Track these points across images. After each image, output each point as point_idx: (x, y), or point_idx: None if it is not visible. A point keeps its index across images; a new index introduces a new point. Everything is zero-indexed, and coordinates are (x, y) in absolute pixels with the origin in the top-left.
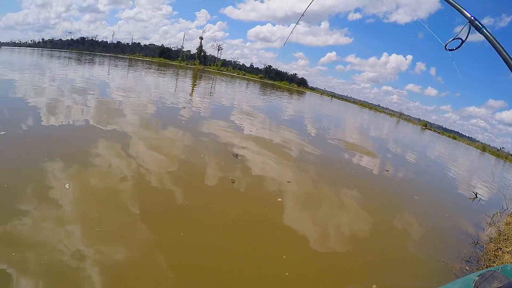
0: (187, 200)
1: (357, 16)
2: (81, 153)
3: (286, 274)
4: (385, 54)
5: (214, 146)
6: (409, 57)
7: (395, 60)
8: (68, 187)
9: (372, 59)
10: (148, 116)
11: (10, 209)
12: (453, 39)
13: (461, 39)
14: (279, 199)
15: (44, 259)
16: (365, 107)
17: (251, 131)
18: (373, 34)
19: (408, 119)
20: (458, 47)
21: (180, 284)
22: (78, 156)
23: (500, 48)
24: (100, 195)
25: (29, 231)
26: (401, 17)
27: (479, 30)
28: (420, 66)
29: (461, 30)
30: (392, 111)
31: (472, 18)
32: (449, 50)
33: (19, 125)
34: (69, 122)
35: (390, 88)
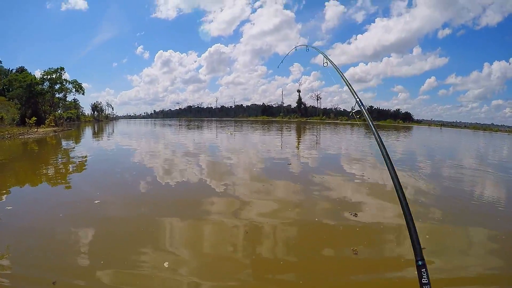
0: None
1: (447, 31)
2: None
3: None
4: (486, 64)
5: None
6: None
7: (498, 68)
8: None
9: (474, 74)
10: (257, 176)
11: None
12: None
13: None
14: None
15: None
16: (478, 129)
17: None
18: (468, 46)
19: None
20: None
21: None
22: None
23: None
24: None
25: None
26: (491, 18)
27: None
28: None
29: None
30: (509, 127)
31: None
32: None
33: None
34: (185, 182)
35: (501, 102)
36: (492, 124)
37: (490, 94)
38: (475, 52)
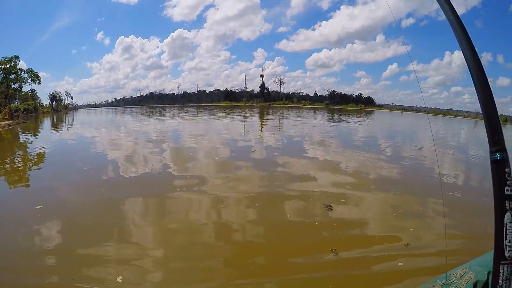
0: None
1: (411, 21)
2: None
3: None
4: (447, 53)
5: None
6: None
7: (459, 57)
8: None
9: (435, 62)
10: (221, 159)
11: None
12: None
13: None
14: None
15: None
16: (438, 114)
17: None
18: (431, 35)
19: None
20: None
21: None
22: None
23: None
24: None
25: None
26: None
27: None
28: (486, 56)
29: None
30: (467, 112)
31: None
32: None
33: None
34: (147, 170)
35: (459, 88)
36: (451, 109)
37: (450, 81)
38: (437, 42)
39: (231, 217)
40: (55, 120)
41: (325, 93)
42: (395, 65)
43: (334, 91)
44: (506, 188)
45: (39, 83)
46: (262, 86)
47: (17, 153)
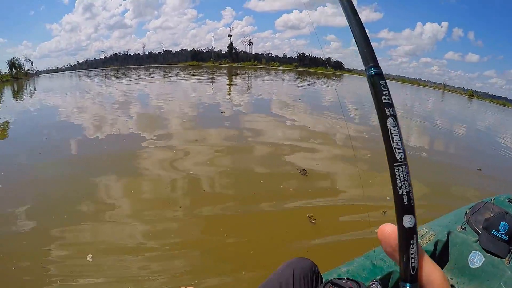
0: None
1: None
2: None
3: None
4: (419, 24)
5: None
6: (445, 24)
7: (430, 29)
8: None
9: (407, 32)
10: (191, 124)
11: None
12: None
13: None
14: None
15: None
16: (406, 82)
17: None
18: (404, 4)
19: (453, 89)
20: None
21: None
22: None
23: None
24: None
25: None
26: None
27: None
28: (457, 32)
29: None
30: (435, 83)
31: None
32: None
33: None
34: (115, 133)
35: (429, 60)
36: (420, 79)
37: (420, 52)
38: (410, 12)
39: (201, 170)
40: (15, 89)
41: (294, 55)
42: (366, 30)
43: (303, 54)
44: (383, 97)
45: None
46: (230, 46)
47: None
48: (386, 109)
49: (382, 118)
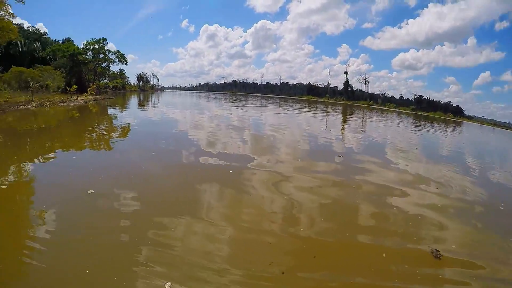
0: None
1: (504, 24)
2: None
3: None
4: None
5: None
6: None
7: None
8: None
9: None
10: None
11: None
12: None
13: None
14: None
15: None
16: None
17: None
18: None
19: None
20: None
21: None
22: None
23: None
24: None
25: None
26: None
27: None
28: None
29: None
30: None
31: None
32: None
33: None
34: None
35: None
36: None
37: None
38: None
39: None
40: (141, 99)
41: (411, 97)
42: (487, 73)
43: (421, 96)
44: None
45: (126, 64)
46: (346, 83)
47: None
48: None
49: None
